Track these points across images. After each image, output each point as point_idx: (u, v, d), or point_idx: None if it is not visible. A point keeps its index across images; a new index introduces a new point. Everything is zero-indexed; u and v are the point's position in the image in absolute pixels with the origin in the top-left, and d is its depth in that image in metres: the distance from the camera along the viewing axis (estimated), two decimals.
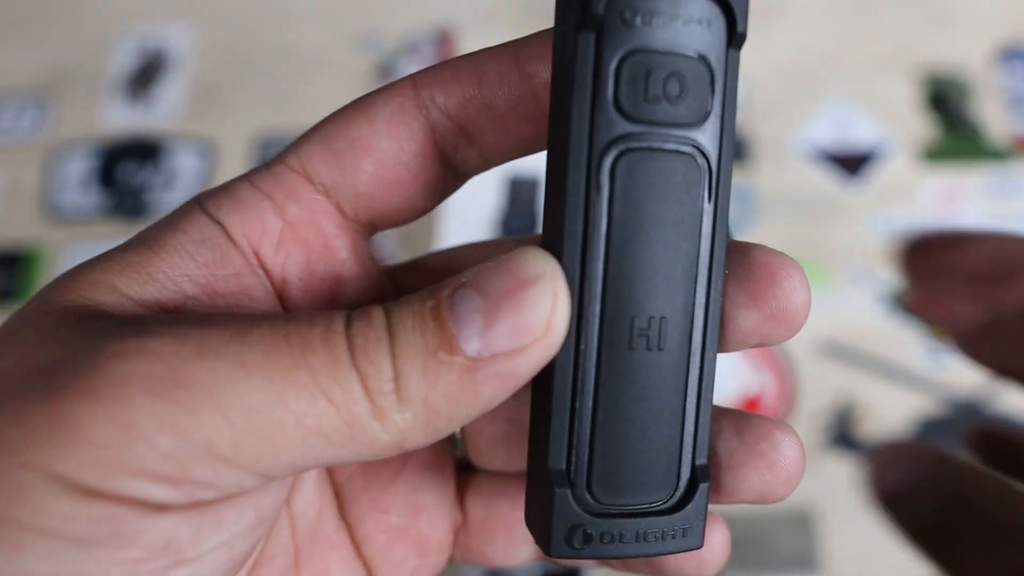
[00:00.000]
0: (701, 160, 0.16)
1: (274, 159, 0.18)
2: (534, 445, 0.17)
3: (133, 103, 0.62)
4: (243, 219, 0.17)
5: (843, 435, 0.51)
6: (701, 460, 0.17)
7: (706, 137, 0.16)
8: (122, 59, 0.63)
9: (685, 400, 0.16)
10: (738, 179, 0.58)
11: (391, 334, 0.15)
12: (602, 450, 0.16)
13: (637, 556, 0.17)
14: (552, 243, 0.16)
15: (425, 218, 0.58)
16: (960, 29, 0.63)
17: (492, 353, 0.14)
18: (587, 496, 0.16)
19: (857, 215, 0.57)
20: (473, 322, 0.14)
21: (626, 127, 0.15)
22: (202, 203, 0.17)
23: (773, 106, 0.60)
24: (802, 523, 0.49)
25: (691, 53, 0.16)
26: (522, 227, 0.49)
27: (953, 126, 0.60)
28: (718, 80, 0.16)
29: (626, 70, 0.15)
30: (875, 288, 0.55)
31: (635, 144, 0.15)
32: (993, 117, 0.60)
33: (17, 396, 0.14)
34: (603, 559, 0.17)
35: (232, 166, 0.59)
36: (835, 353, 0.53)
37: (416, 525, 0.20)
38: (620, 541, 0.16)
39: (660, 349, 0.16)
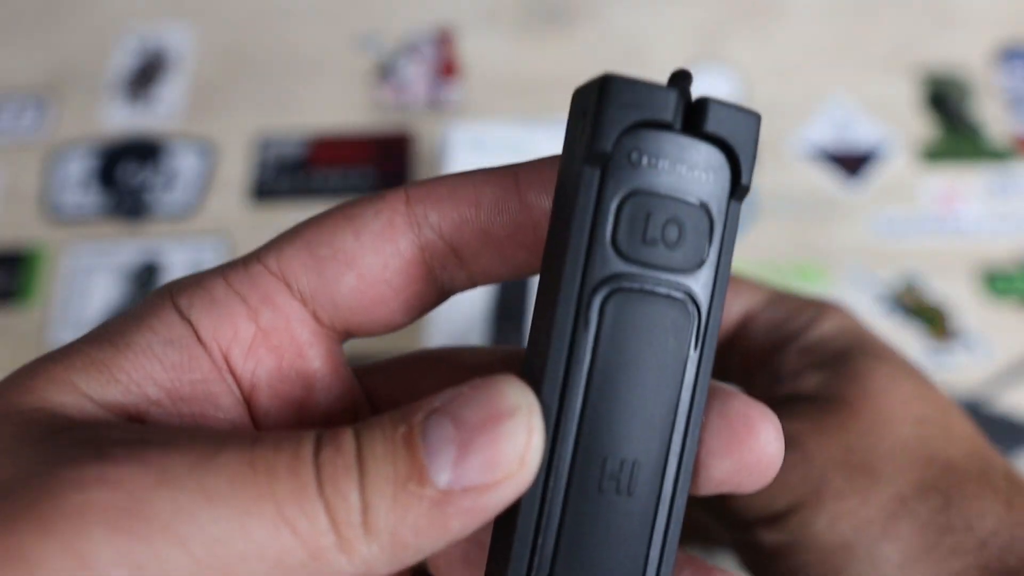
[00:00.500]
0: (692, 307, 0.16)
1: (252, 255, 0.17)
2: (494, 565, 0.16)
3: (133, 103, 0.62)
4: (215, 321, 0.16)
5: None
6: None
7: (699, 285, 0.16)
8: (122, 59, 0.63)
9: (649, 547, 0.16)
10: None
11: (360, 462, 0.14)
12: None
13: None
14: (533, 373, 0.16)
15: None
16: (960, 29, 0.63)
17: (463, 487, 0.14)
18: None
19: (857, 215, 0.57)
20: (446, 453, 0.14)
21: (621, 266, 0.15)
22: (173, 297, 0.17)
23: (773, 106, 0.60)
24: None
25: (693, 200, 0.16)
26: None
27: (953, 126, 0.60)
28: (717, 229, 0.16)
29: (627, 210, 0.15)
30: (875, 288, 0.55)
31: (628, 284, 0.15)
32: (993, 117, 0.60)
33: None
34: None
35: (232, 166, 0.59)
36: None
37: None
38: None
39: (629, 494, 0.16)
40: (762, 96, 0.61)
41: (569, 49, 0.63)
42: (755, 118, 0.16)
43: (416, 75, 0.62)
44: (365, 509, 0.14)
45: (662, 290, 0.16)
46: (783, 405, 0.25)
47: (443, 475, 0.14)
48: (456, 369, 0.20)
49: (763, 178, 0.58)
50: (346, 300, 0.17)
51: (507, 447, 0.14)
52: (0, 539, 0.13)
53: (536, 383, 0.15)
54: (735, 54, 0.62)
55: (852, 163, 0.59)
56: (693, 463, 0.16)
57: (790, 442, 0.23)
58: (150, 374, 0.16)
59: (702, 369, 0.16)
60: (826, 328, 0.27)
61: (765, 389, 0.27)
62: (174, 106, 0.61)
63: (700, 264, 0.16)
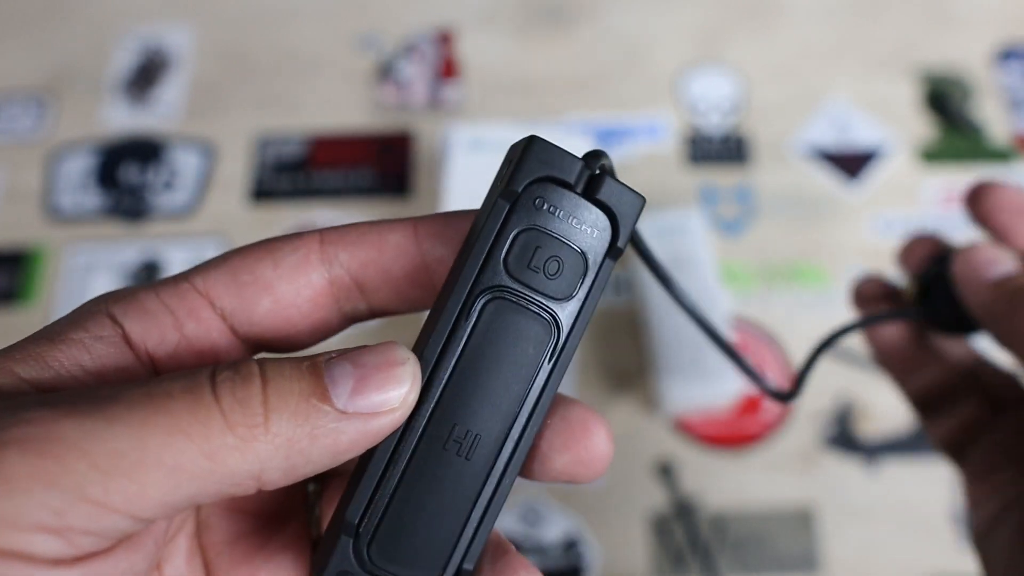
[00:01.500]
0: (554, 328, 0.19)
1: (182, 275, 0.20)
2: (342, 500, 0.19)
3: (133, 103, 0.62)
4: (144, 326, 0.19)
5: (843, 435, 0.51)
6: (468, 565, 0.19)
7: (564, 312, 0.19)
8: (122, 59, 0.63)
9: (472, 508, 0.19)
10: (738, 179, 0.58)
11: (264, 379, 0.17)
12: (391, 518, 0.19)
13: None
14: (419, 344, 0.19)
15: (426, 213, 0.57)
16: (960, 29, 0.63)
17: (356, 411, 0.17)
18: (365, 553, 0.19)
19: (857, 215, 0.57)
20: (345, 383, 0.17)
21: (506, 280, 0.19)
22: (108, 306, 0.19)
23: (773, 106, 0.60)
24: (802, 523, 0.49)
25: (575, 246, 0.19)
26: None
27: (953, 126, 0.60)
28: (590, 274, 0.20)
29: (522, 239, 0.19)
30: None
31: (507, 295, 0.19)
32: (993, 117, 0.60)
33: None
34: None
35: (232, 166, 0.59)
36: (835, 353, 0.53)
37: None
38: None
39: (467, 459, 0.19)
40: (762, 96, 0.61)
41: (569, 49, 0.62)
42: (640, 200, 0.20)
43: (416, 75, 0.62)
44: (266, 413, 0.16)
45: (533, 307, 0.19)
46: None
47: (341, 399, 0.17)
48: None
49: (763, 178, 0.58)
50: (261, 320, 0.20)
51: (395, 387, 0.17)
52: None
53: (419, 350, 0.19)
54: (735, 54, 0.62)
55: (852, 163, 0.59)
56: (524, 456, 0.20)
57: None
58: (79, 362, 0.18)
59: (551, 380, 0.19)
60: None
61: None
62: (174, 106, 0.61)
63: (569, 297, 0.19)
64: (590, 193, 0.19)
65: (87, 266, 0.56)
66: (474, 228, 0.20)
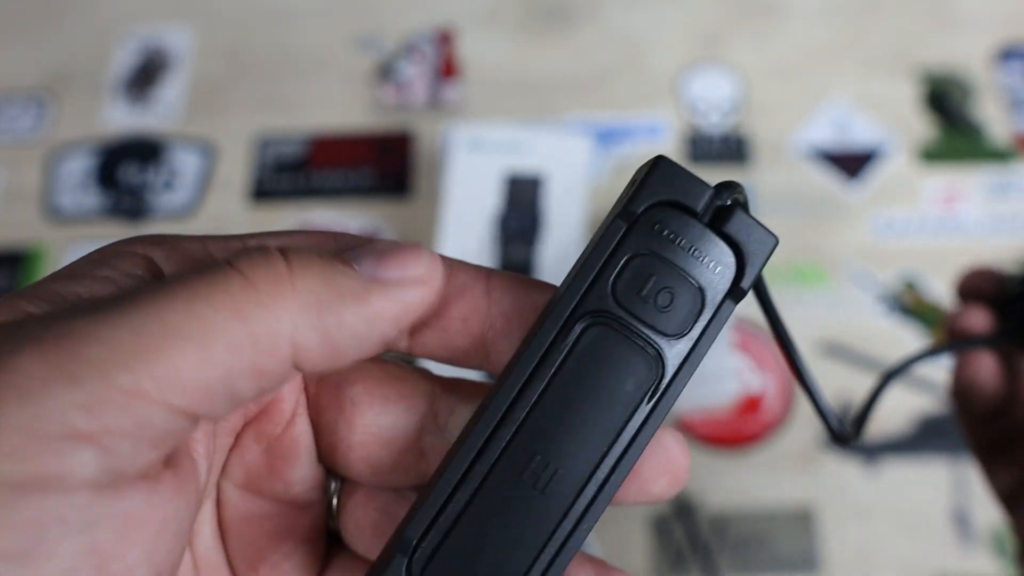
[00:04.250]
0: (658, 366, 0.18)
1: (231, 235, 0.18)
2: (405, 517, 0.18)
3: (133, 103, 0.62)
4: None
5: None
6: None
7: (672, 351, 0.18)
8: (122, 60, 0.63)
9: (543, 548, 0.17)
10: (738, 179, 0.58)
11: (286, 256, 0.16)
12: (453, 543, 0.17)
13: None
14: (510, 362, 0.18)
15: (426, 213, 0.58)
16: (960, 29, 0.63)
17: (381, 279, 0.16)
18: (418, 574, 0.17)
19: (857, 215, 0.57)
20: (368, 260, 0.17)
21: (612, 306, 0.17)
22: (144, 248, 0.17)
23: (773, 106, 0.60)
24: (802, 523, 0.49)
25: (693, 281, 0.18)
26: (520, 227, 0.49)
27: (953, 126, 0.60)
28: (706, 313, 0.18)
29: (635, 264, 0.17)
30: (875, 288, 0.55)
31: (612, 322, 0.17)
32: (993, 117, 0.60)
33: None
34: None
35: (232, 166, 0.59)
36: (835, 353, 0.53)
37: None
38: None
39: (543, 493, 0.17)
40: (762, 96, 0.61)
41: (569, 49, 0.62)
42: (772, 239, 0.18)
43: (416, 75, 0.62)
44: (290, 268, 0.15)
45: (638, 340, 0.18)
46: None
47: (365, 268, 0.16)
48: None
49: (763, 178, 0.58)
50: None
51: (417, 261, 0.17)
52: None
53: (509, 367, 0.18)
54: (735, 54, 0.62)
55: (852, 163, 0.59)
56: (610, 498, 0.18)
57: None
58: (100, 297, 0.16)
59: (649, 422, 0.18)
60: None
61: None
62: (174, 106, 0.61)
63: (680, 336, 0.18)
64: (717, 225, 0.18)
65: None
66: (586, 249, 0.18)
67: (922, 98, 0.61)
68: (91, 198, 0.58)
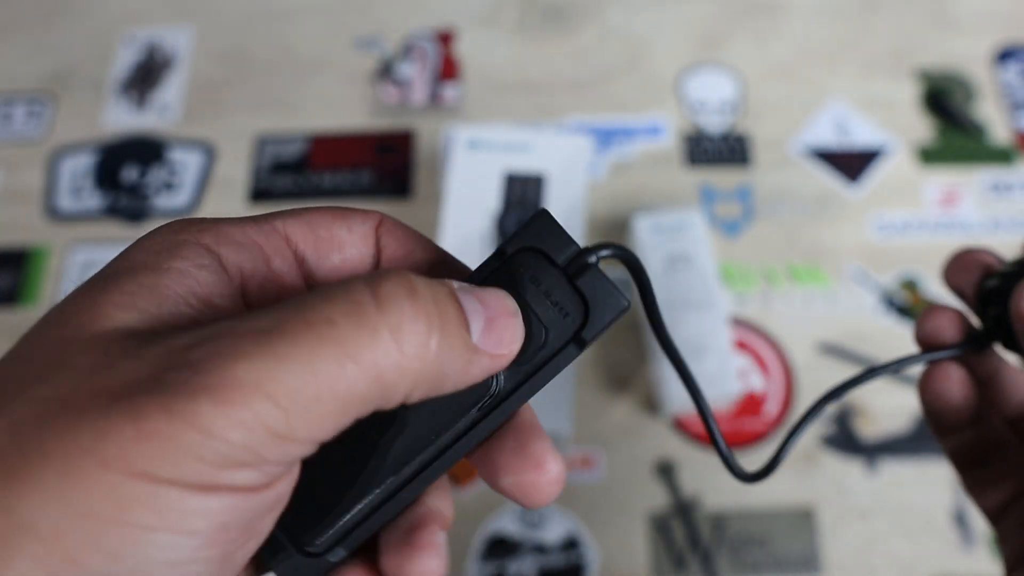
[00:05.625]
0: (493, 384, 0.20)
1: (261, 216, 0.21)
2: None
3: (134, 104, 0.62)
4: (238, 257, 0.20)
5: (843, 435, 0.51)
6: (339, 551, 0.20)
7: (507, 373, 0.20)
8: (123, 60, 0.63)
9: (362, 499, 0.20)
10: (738, 179, 0.58)
11: (420, 294, 0.17)
12: (304, 493, 0.19)
13: None
14: None
15: (427, 213, 0.57)
16: (960, 29, 0.63)
17: (485, 349, 0.19)
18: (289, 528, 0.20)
19: (857, 215, 0.57)
20: (477, 319, 0.18)
21: None
22: (195, 235, 0.19)
23: (773, 106, 0.60)
24: (802, 523, 0.49)
25: (541, 320, 0.20)
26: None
27: (953, 126, 0.60)
28: (544, 351, 0.20)
29: None
30: (874, 288, 0.55)
31: None
32: (993, 117, 0.60)
33: (103, 413, 0.15)
34: None
35: (232, 166, 0.59)
36: (835, 353, 0.53)
37: None
38: None
39: (383, 453, 0.20)
40: (762, 97, 0.61)
41: (569, 50, 0.63)
42: (622, 302, 0.20)
43: (416, 75, 0.62)
44: (430, 333, 0.17)
45: None
46: None
47: (475, 334, 0.18)
48: None
49: (763, 178, 0.58)
50: (326, 275, 0.21)
51: (515, 336, 0.19)
52: (186, 406, 0.15)
53: None
54: (735, 54, 0.62)
55: (852, 163, 0.59)
56: (430, 481, 0.20)
57: None
58: (192, 290, 0.18)
59: (474, 431, 0.20)
60: None
61: None
62: (174, 107, 0.61)
63: (518, 364, 0.20)
64: (574, 279, 0.20)
65: (88, 266, 0.56)
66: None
67: (922, 98, 0.61)
68: (91, 198, 0.58)
